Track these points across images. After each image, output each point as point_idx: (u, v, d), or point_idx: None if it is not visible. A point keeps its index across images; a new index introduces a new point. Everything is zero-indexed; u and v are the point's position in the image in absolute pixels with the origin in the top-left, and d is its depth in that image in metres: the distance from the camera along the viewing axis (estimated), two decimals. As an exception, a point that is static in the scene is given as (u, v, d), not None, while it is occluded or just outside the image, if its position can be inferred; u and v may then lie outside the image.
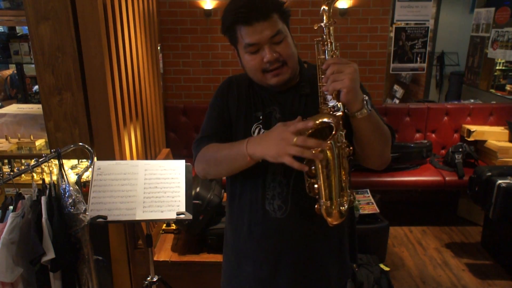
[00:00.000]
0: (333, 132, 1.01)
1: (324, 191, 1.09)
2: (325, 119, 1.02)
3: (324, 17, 1.08)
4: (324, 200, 1.10)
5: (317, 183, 1.09)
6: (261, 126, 1.23)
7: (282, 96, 1.24)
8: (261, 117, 1.23)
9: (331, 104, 1.04)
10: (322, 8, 1.08)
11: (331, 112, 1.06)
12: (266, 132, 1.09)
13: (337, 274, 1.32)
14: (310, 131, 1.03)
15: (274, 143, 1.01)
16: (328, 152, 1.05)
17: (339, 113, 1.04)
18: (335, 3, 1.09)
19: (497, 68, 5.34)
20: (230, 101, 1.28)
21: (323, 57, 1.09)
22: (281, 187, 1.21)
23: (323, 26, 1.08)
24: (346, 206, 1.12)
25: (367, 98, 1.05)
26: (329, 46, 1.08)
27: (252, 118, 1.24)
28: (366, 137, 1.12)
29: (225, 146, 1.19)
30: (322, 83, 1.09)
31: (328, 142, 1.02)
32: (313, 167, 1.09)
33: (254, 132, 1.23)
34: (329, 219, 1.12)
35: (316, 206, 1.13)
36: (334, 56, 1.07)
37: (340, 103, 1.03)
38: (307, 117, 1.18)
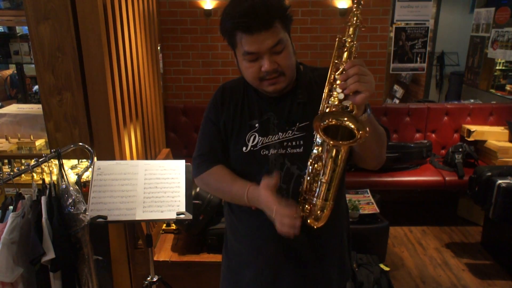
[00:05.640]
0: (355, 139, 1.00)
1: (324, 190, 1.08)
2: (352, 126, 1.01)
3: (355, 18, 1.07)
4: (320, 200, 1.09)
5: (319, 181, 1.08)
6: (256, 134, 1.22)
7: (278, 102, 1.24)
8: (256, 125, 1.23)
9: (344, 103, 1.04)
10: (353, 9, 1.07)
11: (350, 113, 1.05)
12: (262, 200, 1.13)
13: (338, 277, 1.33)
14: (326, 124, 1.03)
15: (274, 218, 1.11)
16: (343, 150, 1.04)
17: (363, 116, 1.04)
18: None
19: (497, 68, 5.34)
20: (225, 111, 1.27)
21: (341, 58, 1.08)
22: (281, 193, 1.20)
23: (354, 26, 1.07)
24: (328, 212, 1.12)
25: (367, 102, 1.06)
26: (353, 47, 1.07)
27: (246, 127, 1.24)
28: (365, 140, 1.12)
29: (227, 181, 1.24)
30: (331, 80, 1.08)
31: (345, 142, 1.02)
32: (319, 163, 1.08)
33: (249, 140, 1.22)
34: (315, 222, 1.11)
35: (307, 207, 1.12)
36: (353, 58, 1.07)
37: (351, 104, 1.02)
38: (304, 123, 1.19)
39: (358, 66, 1.00)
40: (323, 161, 1.07)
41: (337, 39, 1.10)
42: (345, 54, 1.08)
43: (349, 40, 1.07)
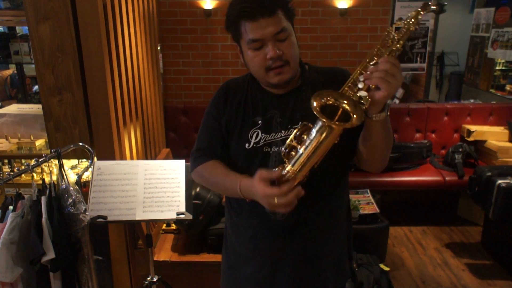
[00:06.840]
0: (348, 123, 0.98)
1: (300, 160, 1.04)
2: (349, 109, 0.99)
3: (413, 19, 1.04)
4: (293, 168, 1.05)
5: (297, 149, 1.05)
6: (259, 131, 1.22)
7: (282, 99, 1.24)
8: (259, 122, 1.23)
9: (359, 94, 1.02)
10: (418, 9, 1.05)
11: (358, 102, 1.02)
12: (252, 185, 1.10)
13: (335, 276, 1.33)
14: (328, 102, 1.01)
15: (263, 202, 1.08)
16: (333, 131, 1.00)
17: (364, 107, 1.01)
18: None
19: (497, 68, 5.33)
20: (227, 108, 1.27)
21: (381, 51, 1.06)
22: None
23: (408, 31, 1.04)
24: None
25: (390, 102, 1.04)
26: (396, 46, 1.04)
27: (249, 124, 1.24)
28: (376, 140, 1.11)
29: (220, 173, 1.24)
30: (361, 70, 1.06)
31: (335, 123, 0.99)
32: (305, 135, 1.06)
33: (251, 137, 1.22)
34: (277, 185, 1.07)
35: (279, 168, 1.08)
36: (392, 55, 1.04)
37: (368, 97, 1.01)
38: (308, 121, 1.18)
39: (392, 64, 0.99)
40: (312, 135, 1.03)
41: (387, 31, 1.07)
42: (386, 50, 1.05)
43: (397, 39, 1.05)
